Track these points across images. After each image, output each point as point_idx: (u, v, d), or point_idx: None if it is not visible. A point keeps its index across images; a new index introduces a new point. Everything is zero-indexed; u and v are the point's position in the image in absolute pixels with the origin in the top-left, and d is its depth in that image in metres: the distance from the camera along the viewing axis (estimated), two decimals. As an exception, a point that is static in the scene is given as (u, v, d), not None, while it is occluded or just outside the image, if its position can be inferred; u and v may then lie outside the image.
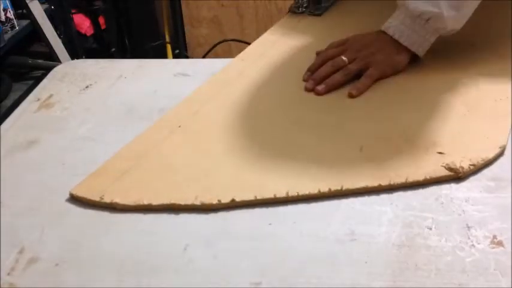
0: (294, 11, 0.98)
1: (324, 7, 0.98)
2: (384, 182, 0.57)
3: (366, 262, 0.50)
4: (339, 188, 0.57)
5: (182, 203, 0.57)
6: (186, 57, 2.06)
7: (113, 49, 2.01)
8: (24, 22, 1.72)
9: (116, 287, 0.49)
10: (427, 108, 0.69)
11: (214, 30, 2.06)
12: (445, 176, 0.58)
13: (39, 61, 1.80)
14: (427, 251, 0.50)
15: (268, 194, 0.57)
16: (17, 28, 1.69)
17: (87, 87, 0.82)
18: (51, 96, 0.80)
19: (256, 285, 0.48)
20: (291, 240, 0.53)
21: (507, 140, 0.62)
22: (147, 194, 0.58)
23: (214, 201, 0.57)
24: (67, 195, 0.59)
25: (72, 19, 1.90)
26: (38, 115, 0.76)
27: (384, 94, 0.73)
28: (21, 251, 0.53)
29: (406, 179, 0.57)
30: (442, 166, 0.59)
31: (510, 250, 0.50)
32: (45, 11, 1.75)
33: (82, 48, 1.94)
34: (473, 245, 0.51)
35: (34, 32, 1.74)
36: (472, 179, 0.58)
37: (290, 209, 0.56)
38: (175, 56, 2.00)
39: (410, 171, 0.58)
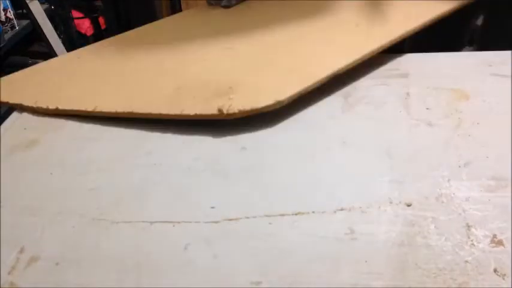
0: (210, 2, 1.07)
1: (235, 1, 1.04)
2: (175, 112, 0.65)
3: (366, 261, 0.50)
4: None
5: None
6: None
7: (113, 49, 2.00)
8: (24, 22, 1.72)
9: (115, 286, 0.49)
10: None
11: (214, 30, 2.05)
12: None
13: (39, 61, 1.80)
14: (427, 250, 0.50)
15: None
16: (17, 28, 1.69)
17: (87, 87, 0.82)
18: (51, 96, 0.80)
19: (257, 285, 0.48)
20: (291, 239, 0.53)
21: (286, 97, 0.65)
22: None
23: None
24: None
25: (72, 19, 1.90)
26: (38, 115, 0.76)
27: None
28: (21, 251, 0.53)
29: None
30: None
31: (510, 249, 0.50)
32: (45, 11, 1.75)
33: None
34: (473, 244, 0.50)
35: (34, 32, 1.74)
36: (473, 178, 0.58)
37: (290, 208, 0.56)
38: (175, 56, 2.00)
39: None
